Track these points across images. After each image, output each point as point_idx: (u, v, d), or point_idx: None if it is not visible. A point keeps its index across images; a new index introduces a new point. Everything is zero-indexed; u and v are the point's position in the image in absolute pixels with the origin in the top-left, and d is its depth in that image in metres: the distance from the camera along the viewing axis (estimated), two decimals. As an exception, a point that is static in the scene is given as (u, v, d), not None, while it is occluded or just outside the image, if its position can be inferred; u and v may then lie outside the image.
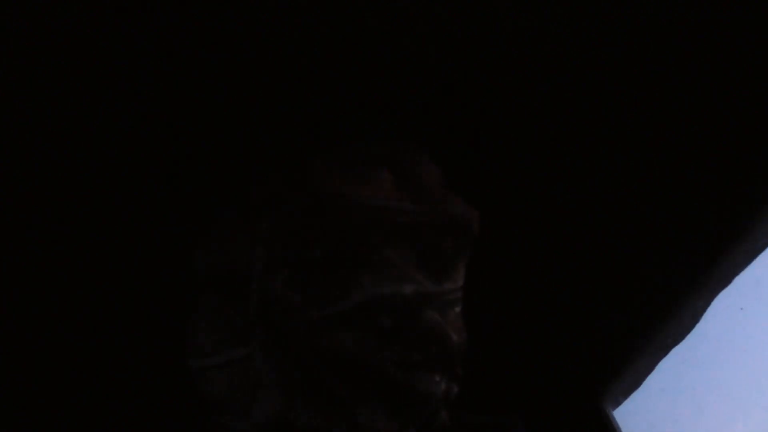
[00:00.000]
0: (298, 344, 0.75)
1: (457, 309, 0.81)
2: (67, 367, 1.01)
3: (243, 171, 0.90)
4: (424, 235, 0.80)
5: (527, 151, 0.98)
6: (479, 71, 0.89)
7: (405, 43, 0.86)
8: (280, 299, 0.76)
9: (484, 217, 0.83)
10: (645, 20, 0.84)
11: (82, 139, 0.89)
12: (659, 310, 1.03)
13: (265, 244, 0.78)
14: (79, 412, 1.02)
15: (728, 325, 1.13)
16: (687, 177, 0.94)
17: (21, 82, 0.84)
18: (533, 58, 0.88)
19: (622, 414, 1.14)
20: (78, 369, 1.02)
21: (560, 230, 1.03)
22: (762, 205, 0.92)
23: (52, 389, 1.01)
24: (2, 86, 0.83)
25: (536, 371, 1.12)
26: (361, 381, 0.75)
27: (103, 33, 0.81)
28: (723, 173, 0.93)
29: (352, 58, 0.87)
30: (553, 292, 1.08)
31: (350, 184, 0.80)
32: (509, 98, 0.92)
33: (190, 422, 0.86)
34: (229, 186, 0.88)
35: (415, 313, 0.77)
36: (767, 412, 1.26)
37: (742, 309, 1.13)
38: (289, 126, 0.92)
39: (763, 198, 0.91)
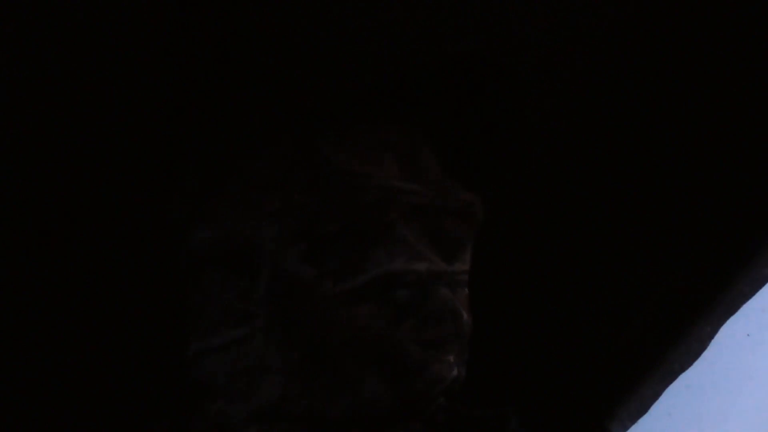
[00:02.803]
0: (309, 320, 0.74)
1: (466, 291, 0.81)
2: (51, 352, 1.01)
3: (242, 147, 0.88)
4: (434, 216, 0.80)
5: (534, 155, 0.98)
6: (486, 58, 0.89)
7: (410, 26, 0.86)
8: (294, 274, 0.75)
9: (489, 215, 0.83)
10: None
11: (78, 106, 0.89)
12: (667, 336, 1.03)
13: (276, 219, 0.77)
14: (67, 399, 1.02)
15: (735, 351, 1.12)
16: (695, 205, 0.94)
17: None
18: (543, 46, 0.88)
19: (629, 439, 1.14)
20: (65, 354, 1.02)
21: (568, 252, 1.03)
22: (769, 234, 0.92)
23: (37, 374, 1.01)
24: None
25: (541, 397, 1.12)
26: (372, 356, 0.74)
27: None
28: (731, 201, 0.94)
29: (357, 39, 0.87)
30: (560, 316, 1.08)
31: (360, 164, 0.80)
32: (516, 86, 0.92)
33: (184, 411, 0.85)
34: (228, 162, 0.86)
35: (429, 289, 0.77)
36: (774, 438, 1.25)
37: (748, 335, 1.13)
38: (290, 104, 0.91)
39: (770, 226, 0.92)
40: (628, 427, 1.15)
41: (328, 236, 0.77)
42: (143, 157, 0.93)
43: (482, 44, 0.88)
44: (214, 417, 0.77)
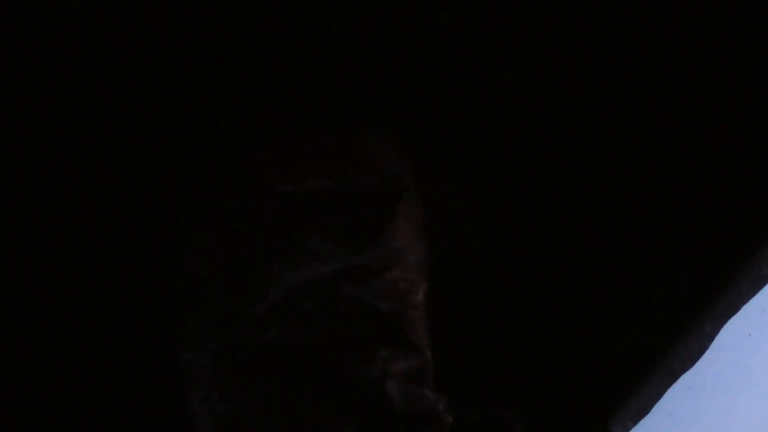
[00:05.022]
0: (241, 345, 0.76)
1: (391, 274, 0.79)
2: (50, 352, 1.01)
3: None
4: (347, 206, 0.79)
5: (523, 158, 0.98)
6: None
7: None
8: (224, 302, 0.77)
9: (493, 217, 0.82)
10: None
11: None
12: (667, 336, 1.03)
13: (207, 252, 0.80)
14: (66, 399, 1.01)
15: (736, 351, 1.12)
16: (696, 205, 0.94)
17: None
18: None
19: (630, 440, 1.13)
20: (64, 354, 1.01)
21: (568, 253, 1.03)
22: (769, 233, 0.91)
23: (37, 374, 1.01)
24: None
25: (542, 399, 1.11)
26: (300, 374, 0.75)
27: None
28: (731, 201, 0.93)
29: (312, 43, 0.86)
30: (560, 317, 1.08)
31: (278, 175, 0.80)
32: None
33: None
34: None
35: (334, 290, 0.76)
36: (776, 438, 1.25)
37: (750, 335, 1.13)
38: (232, 120, 0.90)
39: (770, 226, 0.91)
40: (629, 428, 1.14)
41: (242, 261, 0.78)
42: (144, 167, 0.93)
43: (482, 44, 0.87)
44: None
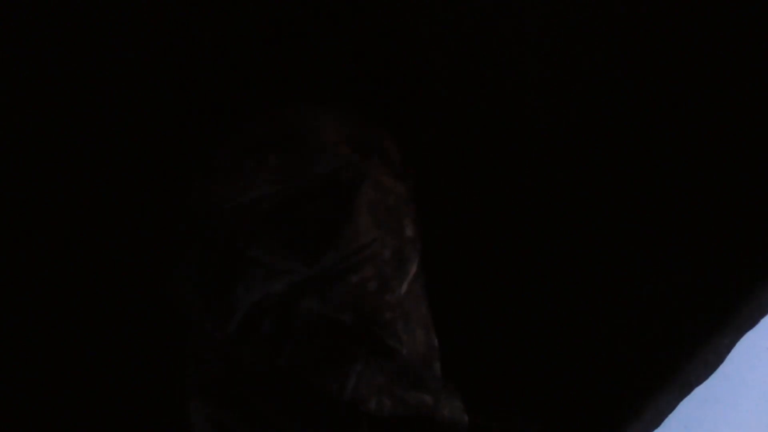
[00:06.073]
0: (222, 365, 0.74)
1: (356, 277, 0.74)
2: (49, 352, 1.00)
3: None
4: (295, 211, 0.75)
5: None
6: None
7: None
8: (203, 324, 0.75)
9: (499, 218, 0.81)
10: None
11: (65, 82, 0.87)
12: (683, 348, 1.02)
13: (184, 276, 0.77)
14: (66, 400, 1.01)
15: (753, 365, 1.11)
16: (716, 217, 0.93)
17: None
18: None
19: (642, 452, 1.12)
20: (63, 354, 1.00)
21: (583, 263, 1.02)
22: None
23: (37, 374, 1.00)
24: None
25: (553, 410, 1.10)
26: (271, 395, 0.72)
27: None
28: (752, 213, 0.92)
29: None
30: (574, 328, 1.07)
31: (222, 187, 0.76)
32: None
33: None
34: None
35: (291, 307, 0.73)
36: (790, 454, 1.23)
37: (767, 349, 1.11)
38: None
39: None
40: (641, 440, 1.13)
41: (204, 285, 0.75)
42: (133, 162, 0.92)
43: (482, 44, 0.86)
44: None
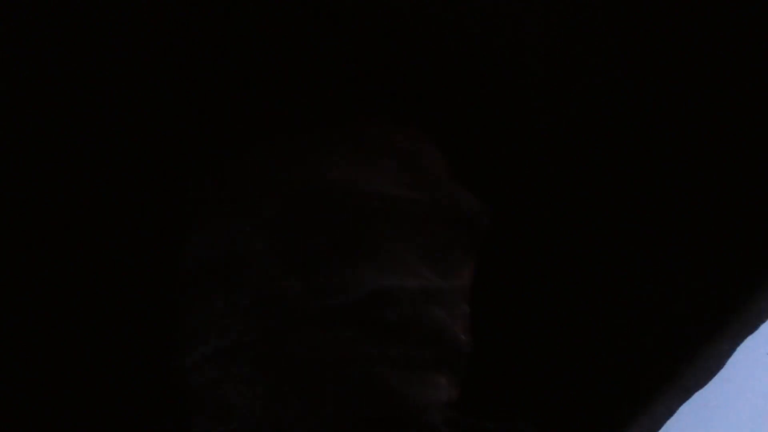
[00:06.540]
0: (291, 338, 0.71)
1: (465, 308, 0.77)
2: (47, 353, 1.00)
3: (237, 146, 0.84)
4: (431, 227, 0.76)
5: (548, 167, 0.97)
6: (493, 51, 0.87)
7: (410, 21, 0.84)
8: (279, 287, 0.72)
9: (499, 218, 0.81)
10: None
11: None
12: (682, 352, 1.01)
13: (265, 229, 0.74)
14: (65, 400, 1.00)
15: (753, 371, 1.10)
16: (715, 221, 0.93)
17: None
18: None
19: (640, 457, 1.11)
20: (60, 356, 1.00)
21: (581, 266, 1.02)
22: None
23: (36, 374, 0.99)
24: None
25: (552, 414, 1.10)
26: (354, 382, 0.70)
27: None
28: (752, 217, 0.92)
29: (357, 36, 0.84)
30: (572, 331, 1.07)
31: (356, 169, 0.76)
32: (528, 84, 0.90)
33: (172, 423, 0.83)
34: (223, 163, 0.83)
35: (420, 309, 0.73)
36: (790, 460, 1.23)
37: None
38: (287, 102, 0.87)
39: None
40: (639, 446, 1.13)
41: (317, 249, 0.73)
42: (139, 159, 0.91)
43: (482, 44, 0.87)
44: None
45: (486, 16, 0.83)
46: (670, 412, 1.09)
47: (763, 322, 0.97)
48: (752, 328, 0.98)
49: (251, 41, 0.83)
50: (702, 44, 0.87)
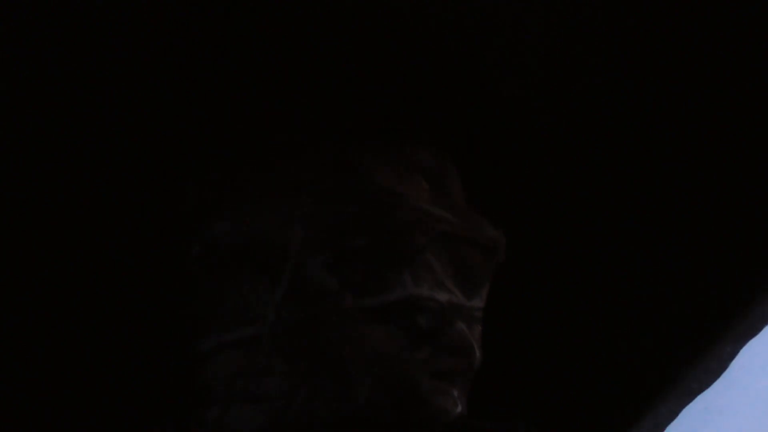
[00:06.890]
0: (323, 331, 0.73)
1: (480, 328, 0.81)
2: (51, 350, 1.00)
3: (273, 141, 0.86)
4: (460, 247, 0.80)
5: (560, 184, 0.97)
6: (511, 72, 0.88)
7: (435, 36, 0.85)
8: (316, 282, 0.74)
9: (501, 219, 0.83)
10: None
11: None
12: (685, 355, 1.01)
13: (305, 223, 0.76)
14: (67, 399, 1.00)
15: (756, 373, 1.10)
16: (719, 224, 0.93)
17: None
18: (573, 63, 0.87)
19: (643, 459, 1.11)
20: (65, 352, 1.00)
21: (585, 269, 1.02)
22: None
23: (38, 373, 1.00)
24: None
25: (555, 415, 1.10)
26: (383, 378, 0.73)
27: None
28: (755, 221, 0.92)
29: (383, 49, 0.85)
30: (576, 333, 1.07)
31: (396, 182, 0.79)
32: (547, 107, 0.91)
33: (184, 414, 0.83)
34: (252, 156, 0.85)
35: (448, 320, 0.77)
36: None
37: (771, 356, 1.11)
38: (330, 112, 0.89)
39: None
40: (642, 448, 1.13)
41: (356, 250, 0.76)
42: (156, 145, 0.92)
43: (482, 44, 0.87)
44: (211, 426, 0.75)
45: (486, 16, 0.83)
46: (673, 414, 1.08)
47: (765, 325, 0.97)
48: (755, 331, 0.98)
49: (300, 60, 0.86)
50: (702, 44, 0.86)
